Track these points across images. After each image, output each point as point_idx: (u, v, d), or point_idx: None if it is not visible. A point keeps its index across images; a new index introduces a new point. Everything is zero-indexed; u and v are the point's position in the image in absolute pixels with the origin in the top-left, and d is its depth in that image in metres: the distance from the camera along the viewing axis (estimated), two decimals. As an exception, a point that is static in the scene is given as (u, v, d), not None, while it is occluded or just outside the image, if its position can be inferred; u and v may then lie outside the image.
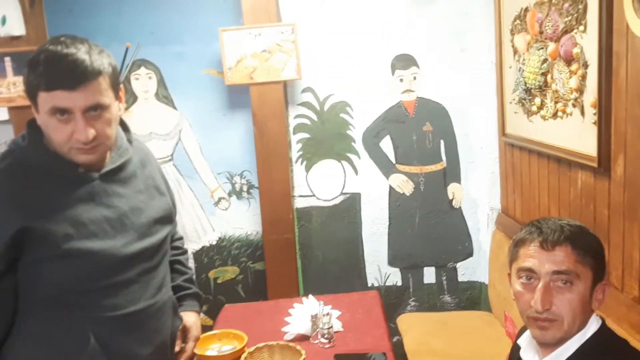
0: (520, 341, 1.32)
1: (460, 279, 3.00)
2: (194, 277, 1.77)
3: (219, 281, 2.99)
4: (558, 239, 1.17)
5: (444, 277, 3.01)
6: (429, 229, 2.95)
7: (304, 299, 2.08)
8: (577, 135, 1.93)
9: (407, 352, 2.54)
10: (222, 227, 2.94)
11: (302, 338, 1.95)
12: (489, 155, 2.85)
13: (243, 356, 1.72)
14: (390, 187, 2.93)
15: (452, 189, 2.92)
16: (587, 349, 1.17)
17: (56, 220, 1.25)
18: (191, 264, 2.96)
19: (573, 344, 1.18)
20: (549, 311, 1.16)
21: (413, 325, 2.75)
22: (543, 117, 2.21)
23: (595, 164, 1.81)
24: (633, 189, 1.66)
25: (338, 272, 2.98)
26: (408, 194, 2.92)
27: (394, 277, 3.01)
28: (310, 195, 2.93)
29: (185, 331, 1.61)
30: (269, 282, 2.89)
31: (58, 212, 1.26)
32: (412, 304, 3.04)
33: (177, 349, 1.58)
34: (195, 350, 1.82)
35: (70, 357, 1.29)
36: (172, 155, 2.85)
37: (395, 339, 2.91)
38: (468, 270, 2.99)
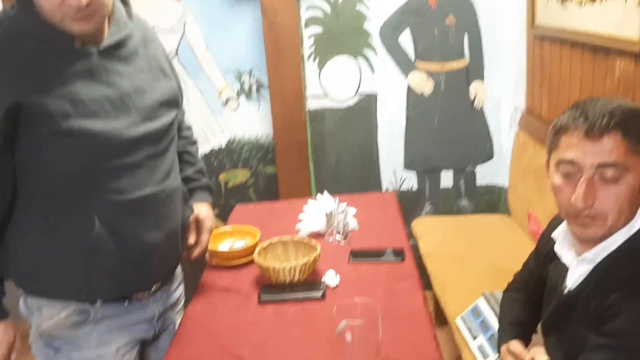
0: (555, 235, 1.20)
1: (479, 182, 2.90)
2: (205, 168, 1.66)
3: (229, 185, 2.91)
4: (606, 126, 0.99)
5: (462, 181, 2.90)
6: (448, 131, 2.81)
7: (318, 195, 1.98)
8: (618, 19, 1.76)
9: (423, 254, 2.48)
10: (232, 129, 2.82)
11: (317, 236, 1.87)
12: (516, 50, 2.66)
13: (256, 251, 1.65)
14: (409, 87, 2.76)
15: (475, 87, 2.75)
16: (634, 244, 1.05)
17: (52, 96, 1.15)
18: (200, 167, 2.87)
19: (617, 239, 1.06)
20: (591, 207, 1.02)
21: (429, 229, 2.68)
22: (579, 3, 2.01)
23: (637, 49, 1.65)
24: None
25: (352, 176, 2.88)
26: (427, 94, 2.76)
27: (410, 181, 2.90)
28: (324, 96, 2.77)
29: (198, 223, 1.54)
30: (280, 186, 2.81)
31: (54, 87, 1.16)
32: (428, 208, 2.96)
33: (191, 241, 1.51)
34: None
35: (75, 242, 1.22)
36: (176, 50, 2.68)
37: (410, 242, 2.86)
38: (487, 174, 2.87)
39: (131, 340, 1.38)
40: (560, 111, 2.35)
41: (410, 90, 2.76)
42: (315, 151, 2.83)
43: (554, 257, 1.23)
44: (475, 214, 2.90)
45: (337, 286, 1.59)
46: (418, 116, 2.80)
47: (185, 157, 1.57)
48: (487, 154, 2.85)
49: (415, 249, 2.61)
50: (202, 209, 1.56)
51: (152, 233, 1.29)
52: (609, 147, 1.00)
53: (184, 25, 2.65)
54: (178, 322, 1.52)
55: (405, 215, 2.87)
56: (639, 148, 1.01)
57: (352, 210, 1.97)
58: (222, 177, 2.90)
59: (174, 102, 1.40)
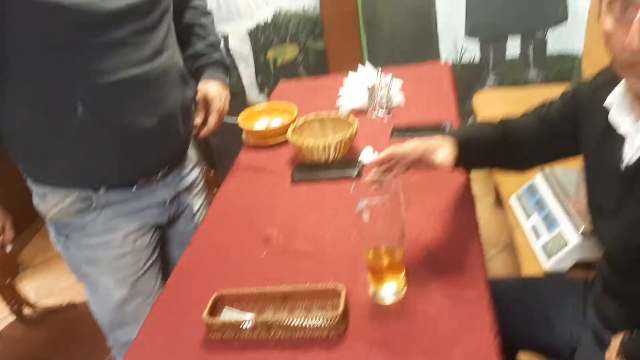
0: (609, 102, 1.01)
1: (550, 50, 2.60)
2: (221, 43, 1.52)
3: (278, 62, 2.78)
4: None
5: (531, 48, 2.62)
6: (517, -8, 2.49)
7: (360, 66, 1.83)
8: None
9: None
10: (277, 1, 2.64)
11: (359, 113, 1.75)
12: None
13: (291, 128, 1.56)
14: (471, -59, 2.43)
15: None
16: None
17: None
18: (247, 44, 2.75)
19: None
20: None
21: (491, 102, 2.47)
22: None
23: None
24: None
25: (408, 48, 2.66)
26: (492, -52, 2.43)
27: (472, 51, 2.66)
28: (375, -43, 2.50)
29: (207, 103, 1.44)
30: (330, 61, 2.66)
31: None
32: (492, 80, 2.72)
33: (197, 121, 1.42)
34: (242, 125, 1.69)
35: (62, 128, 1.17)
36: None
37: (469, 119, 2.68)
38: (560, 39, 2.57)
39: (142, 226, 1.36)
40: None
41: (473, -55, 2.44)
42: (367, 22, 2.61)
43: (592, 119, 1.07)
44: (545, 85, 2.64)
45: (375, 164, 1.49)
46: (482, -24, 2.49)
47: (195, 29, 1.44)
48: (561, 16, 2.52)
49: (474, 125, 2.44)
50: (212, 87, 1.44)
51: (144, 118, 1.21)
52: None
53: None
54: (197, 204, 1.49)
55: (467, 89, 2.68)
56: None
57: (397, 84, 1.81)
58: (270, 54, 2.77)
59: None
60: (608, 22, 0.87)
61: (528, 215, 1.69)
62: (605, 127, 1.01)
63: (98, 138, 1.18)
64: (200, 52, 1.45)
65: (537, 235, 1.60)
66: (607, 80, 1.00)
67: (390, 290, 1.02)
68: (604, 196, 1.04)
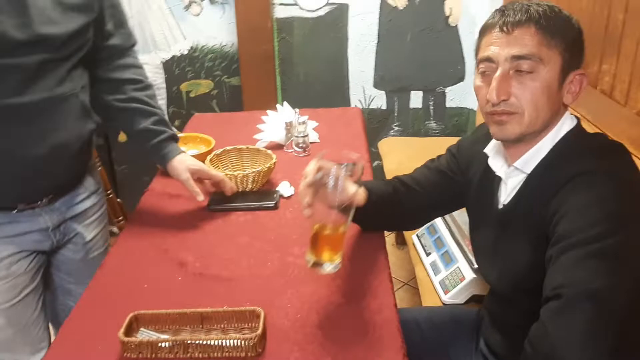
0: (487, 150, 1.16)
1: (449, 104, 2.84)
2: (166, 117, 1.50)
3: (191, 95, 2.79)
4: (520, 19, 0.98)
5: (432, 102, 2.84)
6: (421, 49, 2.71)
7: (278, 106, 1.90)
8: None
9: (387, 173, 2.45)
10: (194, 36, 2.67)
11: (276, 147, 1.81)
12: (495, -34, 2.53)
13: (209, 157, 1.58)
14: (382, 0, 2.63)
15: (450, 3, 2.63)
16: (562, 148, 1.02)
17: None
18: (161, 75, 2.74)
19: (544, 146, 1.03)
20: (506, 102, 0.99)
21: (394, 148, 2.63)
22: None
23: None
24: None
25: (320, 92, 2.79)
26: (401, 8, 2.64)
27: (379, 100, 2.83)
28: (293, 4, 2.63)
29: (200, 180, 1.46)
30: (245, 98, 2.71)
31: None
32: (396, 128, 2.90)
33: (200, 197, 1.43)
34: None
35: None
36: (135, -55, 2.48)
37: (375, 163, 2.82)
38: (457, 96, 2.81)
39: (19, 250, 1.28)
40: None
41: (384, 3, 2.63)
42: (283, 63, 2.72)
43: (472, 170, 1.21)
44: (443, 137, 2.86)
45: (291, 197, 1.55)
46: (390, 32, 2.68)
47: (136, 106, 1.39)
48: (459, 75, 2.77)
49: (380, 169, 2.58)
50: (184, 163, 1.42)
51: (35, 146, 1.17)
52: (523, 38, 0.98)
53: None
54: (90, 233, 1.44)
55: (373, 135, 2.83)
56: (554, 43, 0.98)
57: (312, 124, 1.90)
58: (184, 86, 2.78)
59: (85, 6, 1.22)
60: (477, 80, 1.04)
61: (428, 253, 1.81)
62: (485, 173, 1.15)
63: None
64: (151, 129, 1.40)
65: (437, 271, 1.72)
66: (486, 131, 1.14)
67: (330, 263, 1.07)
68: (483, 238, 1.17)
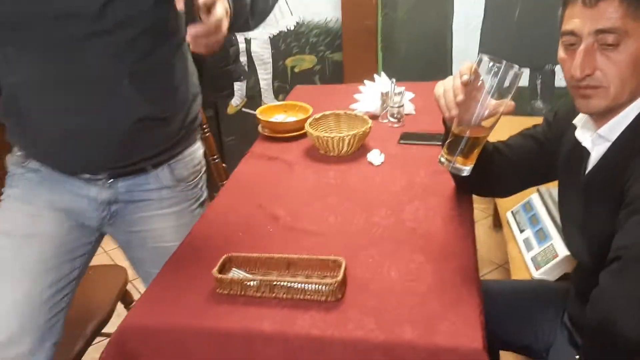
0: (576, 120, 1.13)
1: (558, 83, 2.71)
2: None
3: (296, 70, 2.90)
4: None
5: (539, 81, 2.72)
6: (529, 25, 2.60)
7: (375, 76, 1.93)
8: None
9: (486, 151, 2.40)
10: (301, 11, 2.76)
11: (371, 117, 1.84)
12: None
13: (308, 121, 1.66)
14: (490, -26, 2.56)
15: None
16: None
17: None
18: (268, 50, 2.86)
19: (630, 113, 1.00)
20: (591, 77, 0.97)
21: (497, 127, 2.56)
22: None
23: None
24: None
25: (421, 68, 2.77)
26: (511, -18, 2.55)
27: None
28: (398, -21, 2.63)
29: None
30: (346, 72, 2.76)
31: None
32: (499, 108, 2.82)
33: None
34: (260, 116, 1.79)
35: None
36: None
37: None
38: (568, 74, 2.67)
39: (60, 208, 1.33)
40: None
41: (492, -23, 2.56)
42: (385, 39, 2.73)
43: (565, 138, 1.18)
44: (550, 117, 2.74)
45: (381, 165, 1.58)
46: (498, 7, 2.61)
47: None
48: (570, 52, 2.63)
49: (479, 147, 2.53)
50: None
51: (69, 117, 1.20)
52: (607, 12, 0.94)
53: None
54: (152, 224, 1.41)
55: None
56: (639, 13, 0.93)
57: (409, 95, 1.91)
58: (289, 61, 2.88)
59: None
60: (561, 52, 1.01)
61: (522, 230, 1.77)
62: (574, 143, 1.12)
63: (21, 128, 1.26)
64: None
65: (529, 248, 1.69)
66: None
67: (462, 166, 1.11)
68: (569, 209, 1.15)
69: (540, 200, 1.79)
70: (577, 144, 1.12)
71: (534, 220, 1.75)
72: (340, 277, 1.04)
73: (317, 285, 1.04)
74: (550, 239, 1.63)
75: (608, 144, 1.04)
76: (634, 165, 0.95)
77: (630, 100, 1.00)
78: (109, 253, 2.71)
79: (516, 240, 1.77)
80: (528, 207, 1.82)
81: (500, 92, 1.06)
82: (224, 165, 2.11)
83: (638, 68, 0.97)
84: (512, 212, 1.88)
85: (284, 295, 1.06)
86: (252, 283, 1.06)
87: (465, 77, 1.06)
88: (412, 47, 2.74)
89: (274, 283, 1.05)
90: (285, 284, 1.05)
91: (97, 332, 1.58)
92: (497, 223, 2.67)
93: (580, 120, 1.13)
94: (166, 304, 1.07)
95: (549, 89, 2.73)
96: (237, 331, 1.00)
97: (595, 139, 1.06)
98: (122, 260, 1.66)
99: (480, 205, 2.86)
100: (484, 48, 2.69)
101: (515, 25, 2.62)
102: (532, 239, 1.70)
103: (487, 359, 0.92)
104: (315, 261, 1.11)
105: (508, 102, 1.08)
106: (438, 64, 2.76)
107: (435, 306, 1.03)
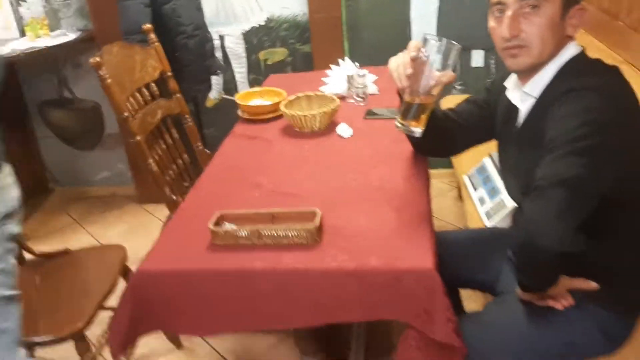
0: (507, 83, 1.35)
1: (509, 62, 2.95)
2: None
3: (268, 62, 3.09)
4: None
5: (493, 60, 2.97)
6: (482, 9, 2.82)
7: (340, 61, 2.15)
8: None
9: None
10: (270, 7, 2.96)
11: (339, 98, 2.05)
12: None
13: (283, 102, 1.86)
14: (444, -39, 2.79)
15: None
16: (564, 71, 1.20)
17: None
18: (241, 45, 3.05)
19: (549, 71, 1.21)
20: (517, 38, 1.18)
21: (456, 99, 2.80)
22: None
23: None
24: None
25: (385, 54, 2.94)
26: (462, -31, 2.79)
27: (477, 60, 2.99)
28: (358, -27, 2.85)
29: None
30: (315, 63, 2.97)
31: None
32: (458, 87, 3.06)
33: None
34: (239, 101, 1.99)
35: None
36: None
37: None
38: (518, 53, 2.92)
39: None
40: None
41: (445, -35, 2.79)
42: (350, 29, 2.94)
43: (500, 101, 1.40)
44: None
45: (349, 137, 1.79)
46: (452, -6, 2.84)
47: None
48: (519, 33, 2.88)
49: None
50: None
51: None
52: None
53: None
54: None
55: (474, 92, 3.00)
56: None
57: (372, 77, 2.13)
58: (262, 55, 3.07)
59: None
60: (491, 22, 1.23)
61: (476, 189, 2.01)
62: (507, 104, 1.34)
63: None
64: None
65: (483, 203, 1.92)
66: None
67: (415, 128, 1.32)
68: (506, 159, 1.38)
69: (492, 163, 2.02)
70: (510, 103, 1.35)
71: (486, 180, 1.98)
72: (317, 224, 1.25)
73: (298, 231, 1.25)
74: (500, 194, 1.86)
75: (533, 100, 1.26)
76: (551, 113, 1.17)
77: (549, 58, 1.21)
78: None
79: (472, 199, 2.00)
80: (481, 169, 2.05)
81: (442, 65, 1.27)
82: (207, 151, 2.30)
83: (555, 29, 1.18)
84: (468, 175, 2.12)
85: (271, 242, 1.26)
86: (242, 233, 1.26)
87: (413, 54, 1.27)
88: (375, 35, 2.96)
89: (261, 232, 1.26)
90: (271, 232, 1.26)
91: (100, 305, 1.76)
92: (461, 197, 2.91)
93: (511, 82, 1.35)
94: (172, 254, 1.27)
95: (502, 67, 2.96)
96: (234, 271, 1.21)
97: (522, 97, 1.28)
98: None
99: (445, 179, 3.10)
100: (440, 33, 2.92)
101: (468, 10, 2.86)
102: (485, 196, 1.93)
103: (437, 276, 1.14)
104: (295, 214, 1.32)
105: (450, 74, 1.29)
106: (400, 49, 2.98)
107: (396, 242, 1.25)
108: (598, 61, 1.23)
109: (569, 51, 1.22)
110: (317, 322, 1.23)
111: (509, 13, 1.18)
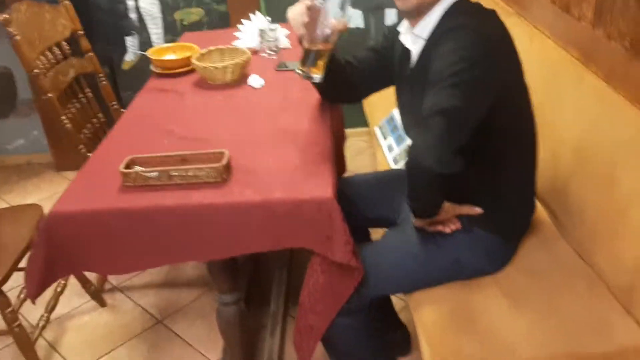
0: (399, 27, 1.46)
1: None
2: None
3: (185, 23, 3.07)
4: None
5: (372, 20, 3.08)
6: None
7: (251, 15, 2.19)
8: None
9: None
10: (184, -34, 2.94)
11: (252, 52, 2.10)
12: None
13: (195, 56, 1.89)
14: None
15: None
16: (448, 14, 1.31)
17: None
18: (156, 5, 3.02)
19: (436, 13, 1.32)
20: None
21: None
22: None
23: None
24: None
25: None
26: None
27: (356, 20, 3.08)
28: None
29: None
30: (232, 22, 2.97)
31: None
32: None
33: None
34: (151, 56, 2.00)
35: None
36: None
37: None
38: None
39: None
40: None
41: None
42: (265, -13, 2.97)
43: (395, 46, 1.49)
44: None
45: (260, 88, 1.86)
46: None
47: None
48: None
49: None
50: None
51: None
52: None
53: None
54: None
55: (353, 52, 3.09)
56: None
57: (284, 31, 2.18)
58: (177, 15, 3.05)
59: None
60: None
61: (385, 138, 2.13)
62: (401, 48, 1.45)
63: None
64: None
65: (391, 150, 2.04)
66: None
67: (315, 75, 1.39)
68: (402, 100, 1.49)
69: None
70: (403, 47, 1.45)
71: (394, 129, 2.10)
72: (224, 162, 1.32)
73: (206, 171, 1.31)
74: (406, 140, 1.98)
75: (423, 42, 1.36)
76: (435, 53, 1.28)
77: (435, 1, 1.31)
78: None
79: (381, 147, 2.12)
80: (390, 119, 2.17)
81: (335, 13, 1.35)
82: (122, 110, 2.30)
83: None
84: (378, 126, 2.23)
85: (181, 182, 1.32)
86: (152, 174, 1.31)
87: (308, 2, 1.35)
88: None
89: (171, 173, 1.31)
90: (180, 172, 1.31)
91: (18, 261, 1.76)
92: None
93: (403, 26, 1.45)
94: (84, 196, 1.31)
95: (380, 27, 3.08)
96: (144, 209, 1.26)
97: (413, 39, 1.39)
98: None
99: (364, 137, 3.22)
100: (354, -8, 3.00)
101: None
102: (393, 143, 2.05)
103: (336, 204, 1.24)
104: (204, 155, 1.38)
105: (342, 20, 1.38)
106: (315, 9, 3.04)
107: (300, 176, 1.34)
108: (478, 4, 1.35)
109: None
110: (227, 254, 1.31)
111: None
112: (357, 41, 3.10)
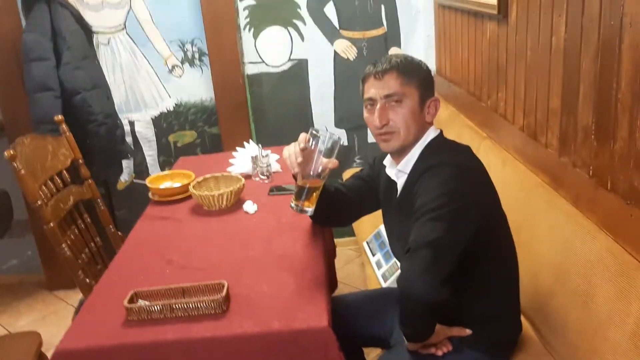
0: (385, 162, 1.61)
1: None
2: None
3: (178, 145, 3.25)
4: (386, 68, 1.44)
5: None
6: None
7: (245, 143, 2.35)
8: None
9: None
10: (178, 94, 3.15)
11: (245, 177, 2.24)
12: (426, 19, 3.04)
13: (192, 184, 2.01)
14: (335, 53, 3.12)
15: (393, 52, 3.12)
16: (427, 151, 1.47)
17: None
18: (151, 130, 3.20)
19: (415, 152, 1.48)
20: (387, 126, 1.44)
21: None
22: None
23: (496, 12, 2.04)
24: (522, 33, 1.90)
25: (289, 133, 3.19)
26: (352, 59, 3.13)
27: (342, 136, 3.28)
28: (260, 62, 3.12)
29: None
30: (224, 144, 3.15)
31: None
32: (358, 161, 3.35)
33: None
34: (149, 184, 2.12)
35: None
36: (124, 24, 2.99)
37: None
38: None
39: None
40: (457, 70, 2.76)
41: (336, 56, 3.12)
42: (255, 111, 3.18)
43: (381, 176, 1.63)
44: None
45: (255, 212, 1.96)
46: (345, 79, 3.16)
47: None
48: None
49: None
50: None
51: None
52: (390, 82, 1.43)
53: (131, 1, 2.96)
54: None
55: (338, 167, 3.25)
56: (411, 81, 1.44)
57: (275, 156, 2.33)
58: (172, 137, 3.23)
59: None
60: (365, 113, 1.50)
61: (374, 254, 2.22)
62: (387, 178, 1.58)
63: None
64: None
65: (380, 266, 2.12)
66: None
67: (307, 208, 1.51)
68: (391, 224, 1.60)
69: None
70: (389, 178, 1.58)
71: (382, 245, 2.20)
72: (224, 294, 1.39)
73: (207, 303, 1.38)
74: (394, 257, 2.07)
75: (406, 175, 1.50)
76: (417, 186, 1.41)
77: (415, 141, 1.47)
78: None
79: (370, 262, 2.20)
80: (377, 236, 2.28)
81: (327, 154, 1.49)
82: (119, 233, 2.38)
83: (416, 117, 1.45)
84: (367, 241, 2.33)
85: (182, 314, 1.38)
86: (155, 308, 1.37)
87: (302, 145, 1.49)
88: (278, 116, 3.21)
89: (173, 306, 1.38)
90: (182, 305, 1.38)
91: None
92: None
93: (387, 161, 1.59)
94: (90, 332, 1.36)
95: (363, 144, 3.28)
96: (148, 343, 1.31)
97: (397, 173, 1.52)
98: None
99: (352, 246, 3.32)
100: (338, 112, 3.22)
101: (358, 94, 3.18)
102: (382, 260, 2.14)
103: (331, 333, 1.30)
104: (203, 286, 1.45)
105: (334, 161, 1.52)
106: (302, 129, 3.22)
107: (295, 304, 1.41)
108: (453, 142, 1.50)
109: (430, 134, 1.49)
110: (227, 385, 1.34)
111: (378, 107, 1.44)
112: (341, 157, 3.28)
